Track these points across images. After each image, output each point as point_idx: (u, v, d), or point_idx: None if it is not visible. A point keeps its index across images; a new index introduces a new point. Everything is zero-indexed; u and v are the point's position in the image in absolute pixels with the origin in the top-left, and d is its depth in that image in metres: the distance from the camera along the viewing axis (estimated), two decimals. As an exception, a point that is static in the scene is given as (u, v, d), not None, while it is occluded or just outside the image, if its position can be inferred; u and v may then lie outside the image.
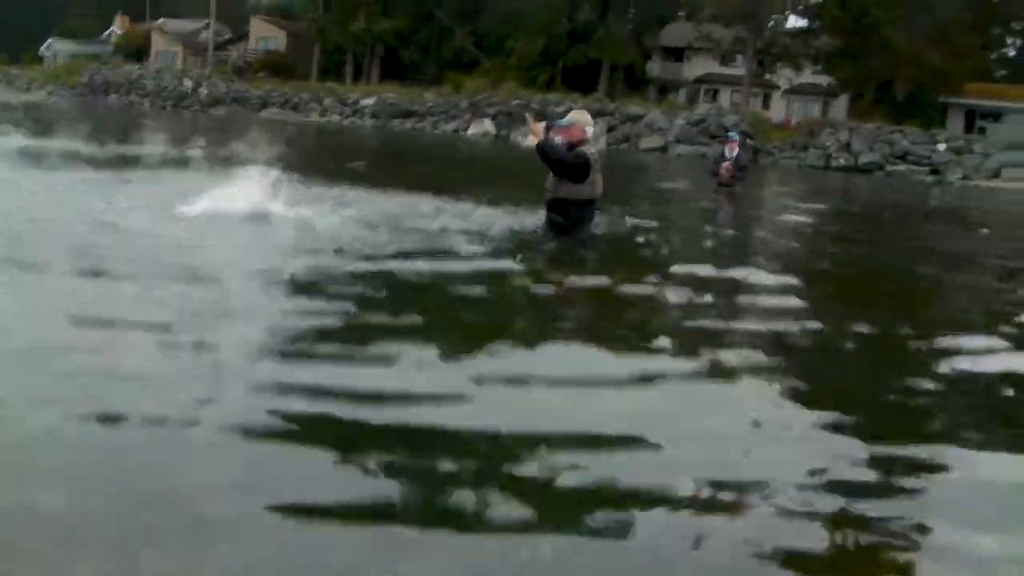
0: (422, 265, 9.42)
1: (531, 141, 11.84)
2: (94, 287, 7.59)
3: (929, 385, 6.58)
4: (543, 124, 12.10)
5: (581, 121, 12.05)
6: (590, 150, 11.82)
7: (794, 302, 9.25)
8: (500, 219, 13.52)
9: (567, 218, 11.84)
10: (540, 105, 65.86)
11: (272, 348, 6.13)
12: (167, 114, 66.65)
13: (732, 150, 23.24)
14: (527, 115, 12.45)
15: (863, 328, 8.25)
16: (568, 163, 11.65)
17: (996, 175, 53.86)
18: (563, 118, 12.62)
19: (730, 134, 25.77)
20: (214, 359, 5.78)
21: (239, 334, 6.32)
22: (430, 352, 6.27)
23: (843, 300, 10.04)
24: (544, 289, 8.81)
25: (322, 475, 4.37)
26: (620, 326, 7.63)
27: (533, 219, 12.85)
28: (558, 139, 11.81)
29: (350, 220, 12.18)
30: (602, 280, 9.24)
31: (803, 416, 5.66)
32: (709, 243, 12.83)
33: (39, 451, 4.41)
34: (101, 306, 6.91)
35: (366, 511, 4.04)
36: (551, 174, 11.85)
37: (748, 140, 54.38)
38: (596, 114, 63.35)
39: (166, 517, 3.87)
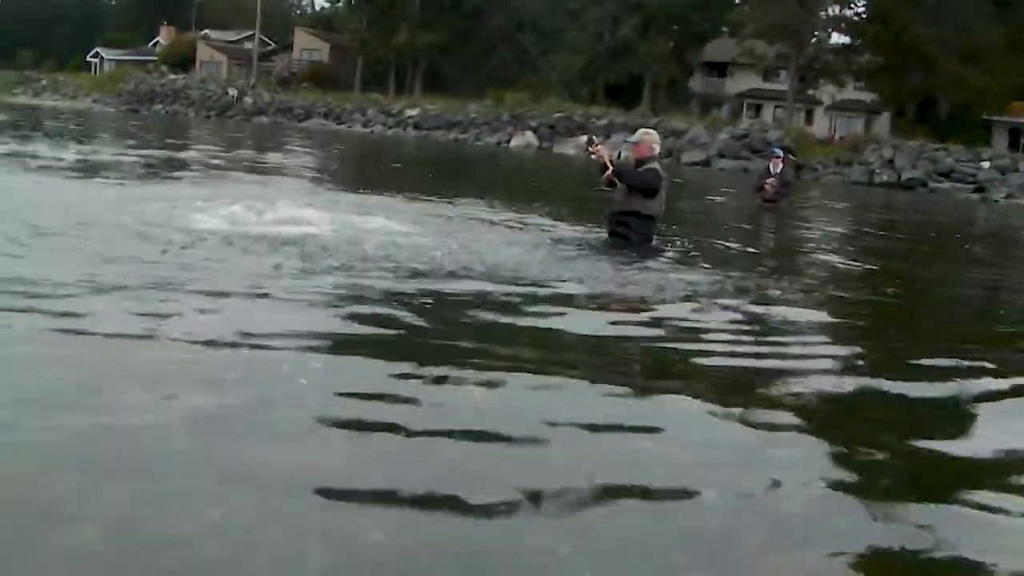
0: (483, 285, 9.12)
1: (601, 161, 11.99)
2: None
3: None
4: (598, 144, 12.32)
5: (648, 139, 12.30)
6: (658, 167, 12.07)
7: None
8: (563, 230, 13.82)
9: (632, 232, 12.04)
10: (582, 118, 66.25)
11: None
12: (211, 123, 66.99)
13: (776, 166, 23.09)
14: (591, 141, 12.59)
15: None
16: (644, 183, 11.89)
17: (1042, 193, 53.61)
18: (632, 136, 12.79)
19: (774, 150, 25.65)
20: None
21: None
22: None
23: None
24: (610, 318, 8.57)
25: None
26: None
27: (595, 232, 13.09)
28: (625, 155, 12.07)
29: (414, 232, 12.16)
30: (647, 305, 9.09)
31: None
32: (753, 265, 12.78)
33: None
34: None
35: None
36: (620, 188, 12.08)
37: (791, 156, 54.38)
38: (636, 128, 63.68)
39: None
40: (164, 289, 7.42)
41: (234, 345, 6.06)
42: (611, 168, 11.87)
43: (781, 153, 24.44)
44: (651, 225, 12.18)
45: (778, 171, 22.94)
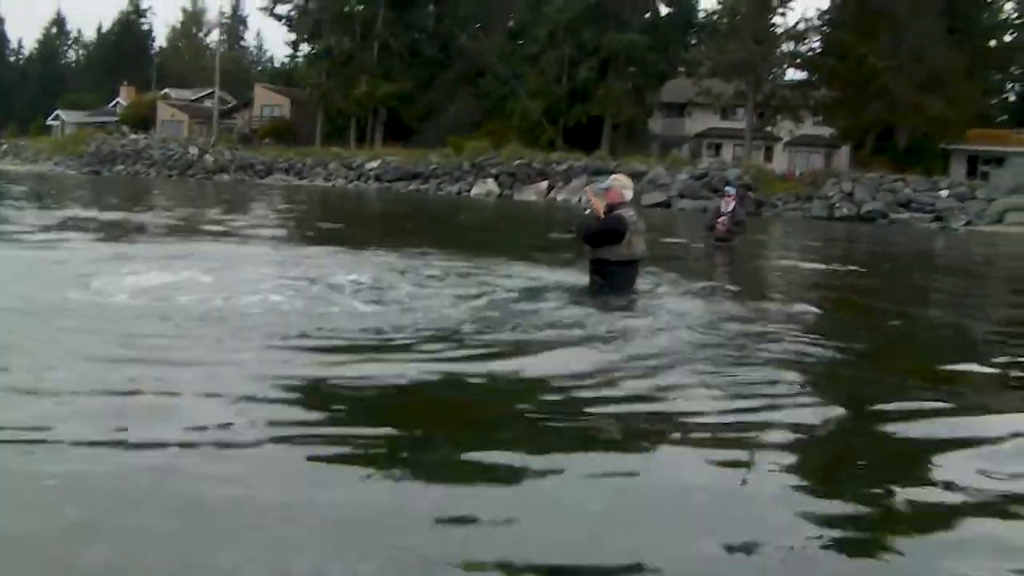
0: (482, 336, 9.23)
1: (596, 214, 12.08)
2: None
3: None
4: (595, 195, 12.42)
5: (617, 184, 12.37)
6: (627, 212, 12.10)
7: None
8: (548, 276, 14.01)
9: (606, 279, 12.05)
10: (542, 164, 66.45)
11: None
12: (173, 183, 66.92)
13: (728, 204, 23.10)
14: (587, 192, 12.72)
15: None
16: (597, 232, 11.99)
17: (1000, 220, 53.93)
18: (603, 182, 12.83)
19: (727, 188, 25.57)
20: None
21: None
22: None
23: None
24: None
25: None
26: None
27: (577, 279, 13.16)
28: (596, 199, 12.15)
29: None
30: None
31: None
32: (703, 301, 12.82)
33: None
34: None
35: None
36: None
37: (750, 193, 54.57)
38: (596, 172, 63.95)
39: None
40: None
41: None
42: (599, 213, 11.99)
43: (733, 191, 24.43)
44: (624, 270, 12.09)
45: (729, 209, 22.94)
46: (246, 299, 10.74)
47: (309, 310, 10.27)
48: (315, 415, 6.35)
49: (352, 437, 5.82)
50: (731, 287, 14.96)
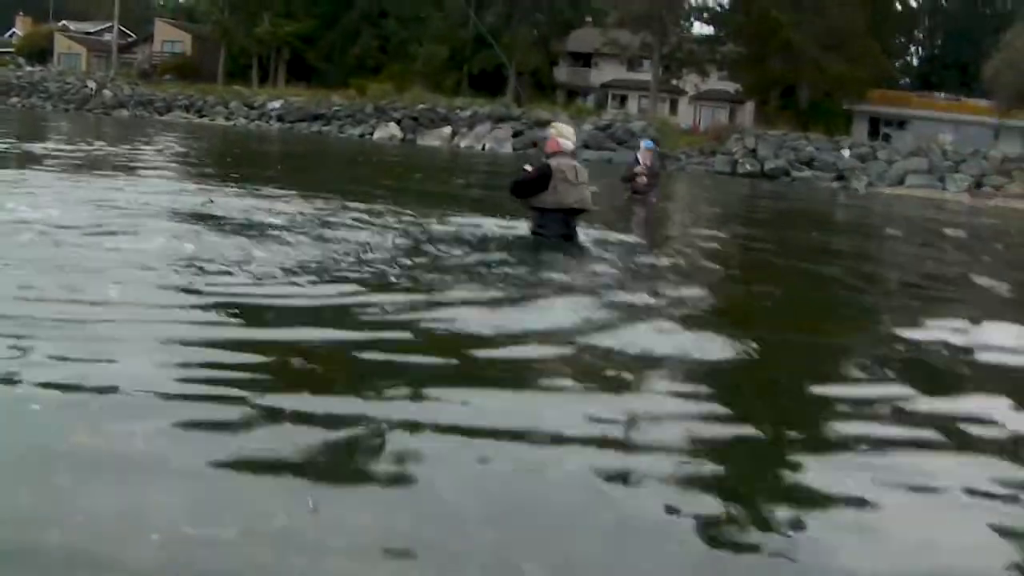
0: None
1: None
2: None
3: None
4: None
5: (554, 132, 12.36)
6: (560, 161, 11.88)
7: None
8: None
9: (536, 225, 12.02)
10: (446, 109, 65.99)
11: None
12: (70, 117, 65.47)
13: (647, 158, 22.87)
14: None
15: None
16: (519, 181, 12.03)
17: (900, 182, 54.45)
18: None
19: (644, 143, 25.14)
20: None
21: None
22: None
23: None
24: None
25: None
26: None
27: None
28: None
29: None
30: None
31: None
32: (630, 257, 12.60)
33: None
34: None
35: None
36: None
37: (655, 147, 54.49)
38: (500, 119, 63.59)
39: None
40: None
41: None
42: None
43: (652, 145, 24.14)
44: (550, 218, 11.89)
45: (648, 163, 22.67)
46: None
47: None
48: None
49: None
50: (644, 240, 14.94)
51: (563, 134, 12.23)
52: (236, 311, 7.20)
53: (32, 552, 3.44)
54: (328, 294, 8.12)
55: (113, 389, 5.09)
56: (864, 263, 16.86)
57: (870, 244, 22.45)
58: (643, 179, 22.17)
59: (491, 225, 13.67)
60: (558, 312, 8.19)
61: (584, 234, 12.53)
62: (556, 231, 11.93)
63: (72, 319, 6.49)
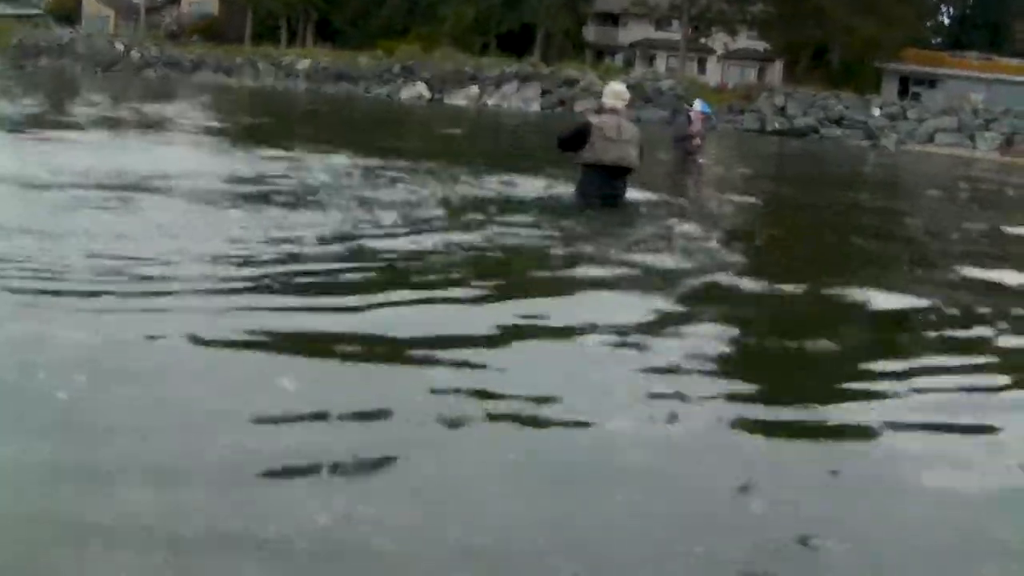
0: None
1: None
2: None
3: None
4: None
5: (607, 90, 12.49)
6: (604, 118, 11.94)
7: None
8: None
9: (578, 183, 12.19)
10: (473, 69, 65.70)
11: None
12: (99, 79, 65.49)
13: (699, 121, 22.71)
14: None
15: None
16: (563, 136, 12.16)
17: (931, 140, 54.13)
18: None
19: (698, 104, 24.96)
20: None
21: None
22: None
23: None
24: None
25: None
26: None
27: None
28: None
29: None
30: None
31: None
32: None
33: None
34: None
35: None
36: None
37: (685, 105, 54.24)
38: (527, 78, 63.31)
39: None
40: None
41: None
42: None
43: (707, 110, 24.04)
44: (589, 176, 11.95)
45: (699, 125, 22.56)
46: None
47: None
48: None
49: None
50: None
51: (612, 92, 12.27)
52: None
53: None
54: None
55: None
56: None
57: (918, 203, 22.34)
58: (697, 141, 22.16)
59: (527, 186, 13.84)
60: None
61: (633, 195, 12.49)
62: (595, 191, 11.91)
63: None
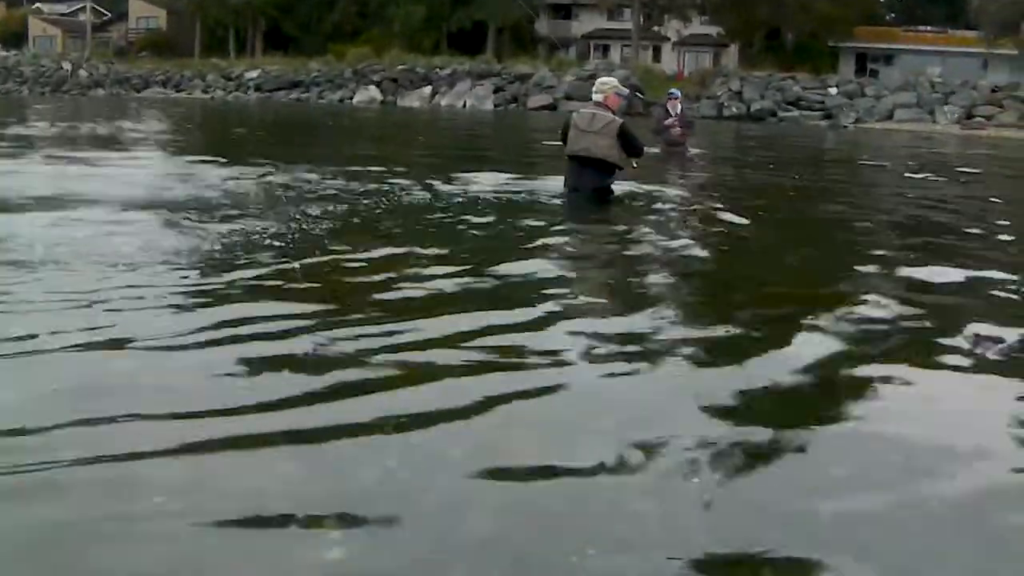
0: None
1: None
2: None
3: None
4: None
5: (597, 86, 12.34)
6: (581, 110, 12.13)
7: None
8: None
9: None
10: (425, 69, 65.33)
11: None
12: (46, 99, 64.58)
13: (675, 107, 22.19)
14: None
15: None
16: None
17: (889, 117, 53.81)
18: None
19: (671, 92, 24.46)
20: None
21: None
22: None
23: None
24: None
25: None
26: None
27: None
28: None
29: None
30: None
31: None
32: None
33: None
34: None
35: None
36: None
37: (639, 95, 53.69)
38: (480, 76, 62.87)
39: None
40: None
41: None
42: None
43: (679, 94, 23.52)
44: (566, 167, 12.22)
45: (677, 112, 22.04)
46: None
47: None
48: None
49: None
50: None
51: (598, 88, 12.22)
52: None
53: None
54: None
55: None
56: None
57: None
58: (676, 129, 21.71)
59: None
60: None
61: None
62: (567, 182, 12.25)
63: None
